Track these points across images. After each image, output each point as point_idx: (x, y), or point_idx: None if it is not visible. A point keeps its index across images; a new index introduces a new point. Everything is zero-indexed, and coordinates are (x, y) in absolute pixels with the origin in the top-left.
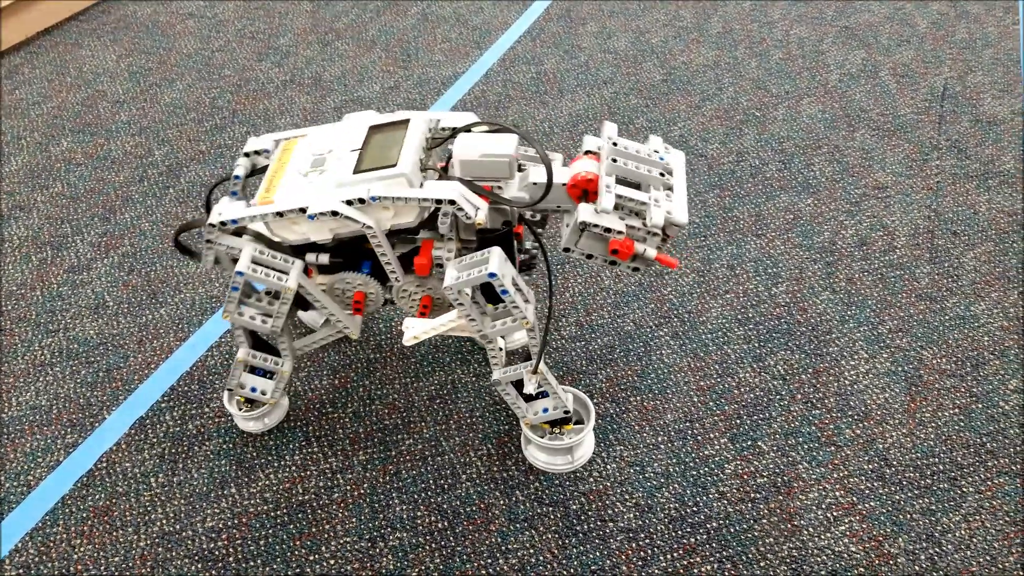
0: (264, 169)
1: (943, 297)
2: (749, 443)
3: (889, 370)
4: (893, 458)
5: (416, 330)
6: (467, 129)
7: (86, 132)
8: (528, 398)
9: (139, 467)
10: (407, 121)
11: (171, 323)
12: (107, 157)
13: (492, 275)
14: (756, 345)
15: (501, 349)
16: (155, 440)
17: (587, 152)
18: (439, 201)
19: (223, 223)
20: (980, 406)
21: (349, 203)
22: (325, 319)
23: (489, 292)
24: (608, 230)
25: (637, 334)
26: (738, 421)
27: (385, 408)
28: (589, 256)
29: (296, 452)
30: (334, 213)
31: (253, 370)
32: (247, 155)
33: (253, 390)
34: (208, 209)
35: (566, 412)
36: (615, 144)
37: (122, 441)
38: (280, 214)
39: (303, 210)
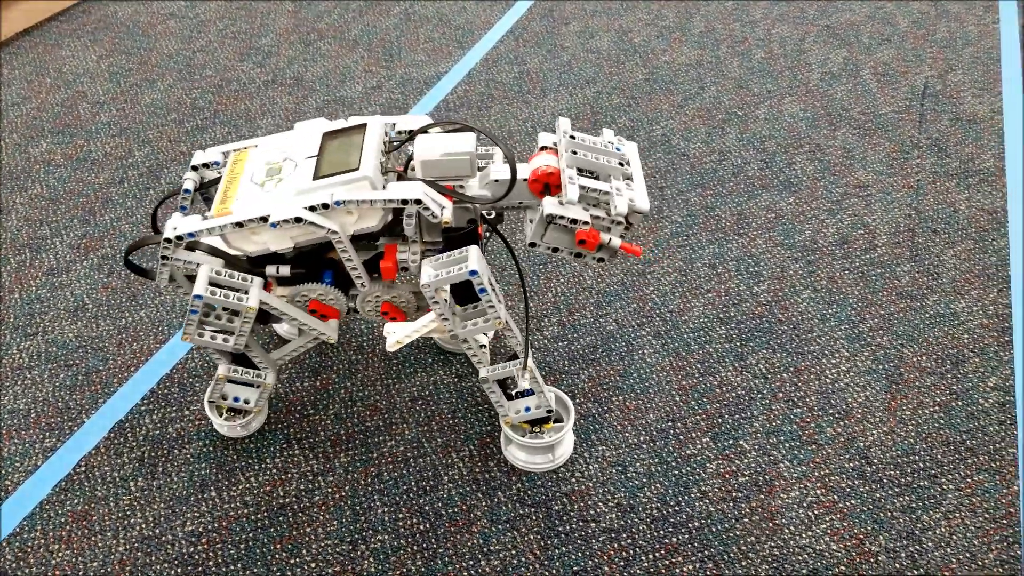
0: (214, 183)
1: (923, 295)
2: (731, 442)
3: (870, 368)
4: (874, 456)
5: (399, 335)
6: (424, 131)
7: (66, 133)
8: (510, 396)
9: (118, 471)
10: (363, 126)
11: (151, 325)
12: (87, 158)
13: (473, 272)
14: (738, 344)
15: (483, 347)
16: (134, 444)
17: (543, 148)
18: (404, 201)
19: (179, 237)
20: (960, 403)
21: (312, 209)
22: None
23: (458, 293)
24: (574, 221)
25: (619, 334)
26: (720, 420)
27: (367, 410)
28: (555, 250)
29: (277, 455)
30: (298, 220)
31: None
32: (195, 168)
33: (236, 399)
34: (155, 226)
35: (549, 411)
36: (572, 137)
37: (101, 445)
38: (240, 224)
39: (264, 219)
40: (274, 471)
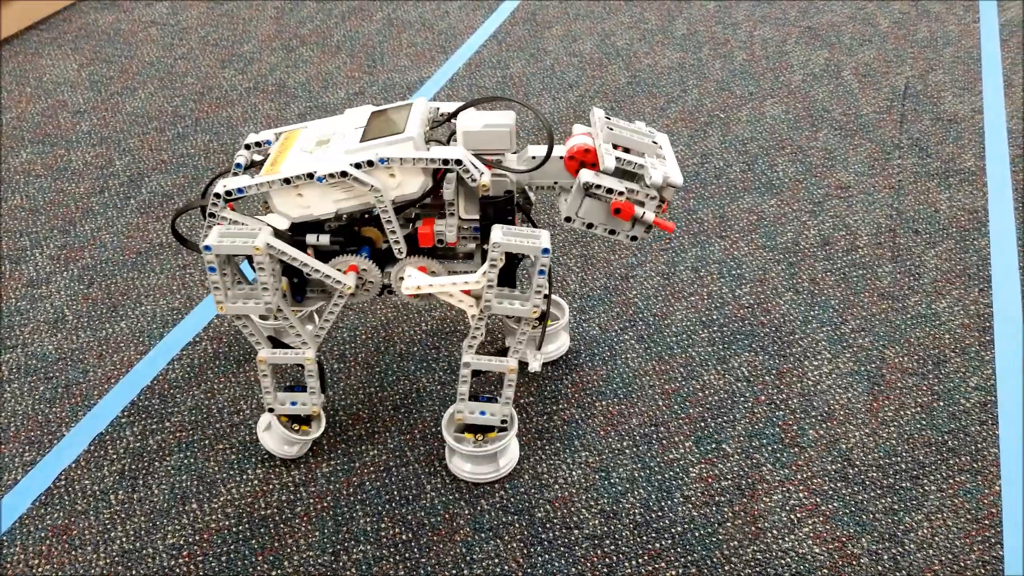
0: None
1: (905, 296)
2: (713, 446)
3: (852, 370)
4: (856, 458)
5: (420, 280)
6: (464, 108)
7: (46, 143)
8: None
9: (98, 484)
10: (410, 104)
11: (132, 336)
12: (67, 168)
13: (546, 251)
14: (720, 347)
15: (481, 332)
16: (115, 456)
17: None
18: (446, 162)
19: (228, 192)
20: (941, 404)
21: (357, 167)
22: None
23: (500, 274)
24: (610, 191)
25: (602, 338)
26: (703, 424)
27: (349, 419)
28: (590, 226)
29: (258, 466)
30: (343, 174)
31: (289, 389)
32: (247, 147)
33: (293, 404)
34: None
35: (503, 421)
36: (608, 118)
37: (81, 458)
38: (287, 181)
39: (311, 176)
40: (255, 482)
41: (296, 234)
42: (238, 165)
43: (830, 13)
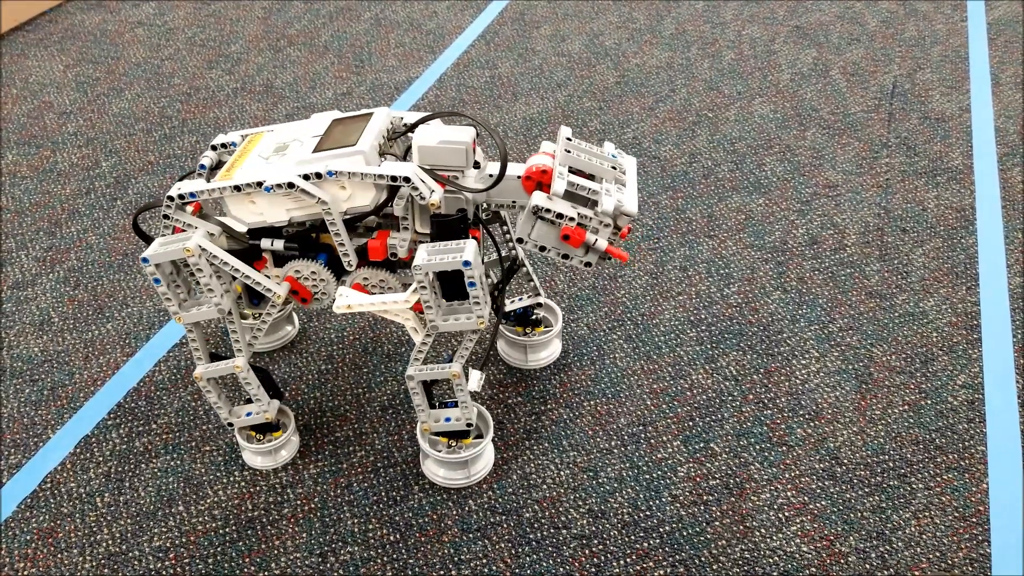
0: None
1: (892, 294)
2: (701, 445)
3: (840, 368)
4: (844, 456)
5: (351, 300)
6: (425, 121)
7: (32, 144)
8: (433, 405)
9: (84, 487)
10: (371, 113)
11: (118, 338)
12: (53, 170)
13: (467, 263)
14: (708, 346)
15: (427, 347)
16: (101, 459)
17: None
18: (394, 179)
19: (181, 196)
20: (929, 402)
21: (306, 178)
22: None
23: (447, 287)
24: (560, 216)
25: (591, 338)
26: (691, 423)
27: (336, 420)
28: (542, 248)
29: (245, 467)
30: (291, 186)
31: (249, 402)
32: (214, 148)
33: (249, 415)
34: None
35: (468, 425)
36: (569, 139)
37: (67, 461)
38: (238, 188)
39: (260, 184)
40: (242, 484)
41: (254, 238)
42: (202, 166)
43: (818, 12)
